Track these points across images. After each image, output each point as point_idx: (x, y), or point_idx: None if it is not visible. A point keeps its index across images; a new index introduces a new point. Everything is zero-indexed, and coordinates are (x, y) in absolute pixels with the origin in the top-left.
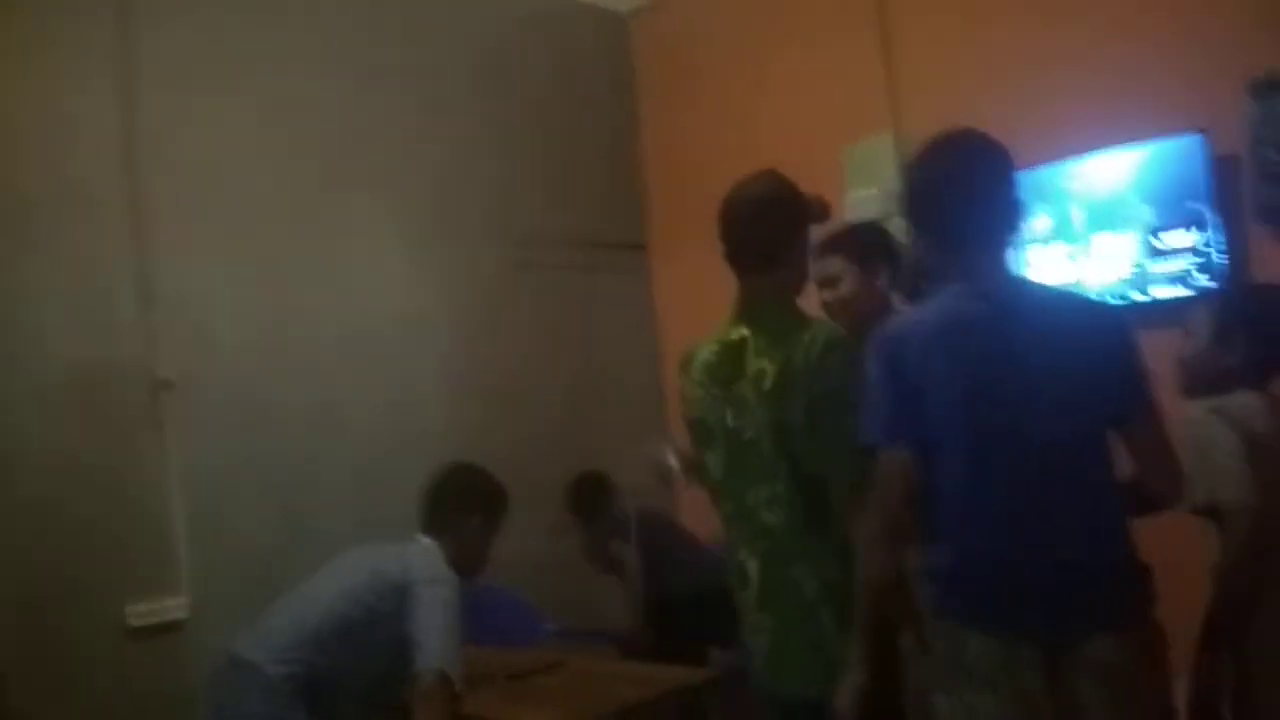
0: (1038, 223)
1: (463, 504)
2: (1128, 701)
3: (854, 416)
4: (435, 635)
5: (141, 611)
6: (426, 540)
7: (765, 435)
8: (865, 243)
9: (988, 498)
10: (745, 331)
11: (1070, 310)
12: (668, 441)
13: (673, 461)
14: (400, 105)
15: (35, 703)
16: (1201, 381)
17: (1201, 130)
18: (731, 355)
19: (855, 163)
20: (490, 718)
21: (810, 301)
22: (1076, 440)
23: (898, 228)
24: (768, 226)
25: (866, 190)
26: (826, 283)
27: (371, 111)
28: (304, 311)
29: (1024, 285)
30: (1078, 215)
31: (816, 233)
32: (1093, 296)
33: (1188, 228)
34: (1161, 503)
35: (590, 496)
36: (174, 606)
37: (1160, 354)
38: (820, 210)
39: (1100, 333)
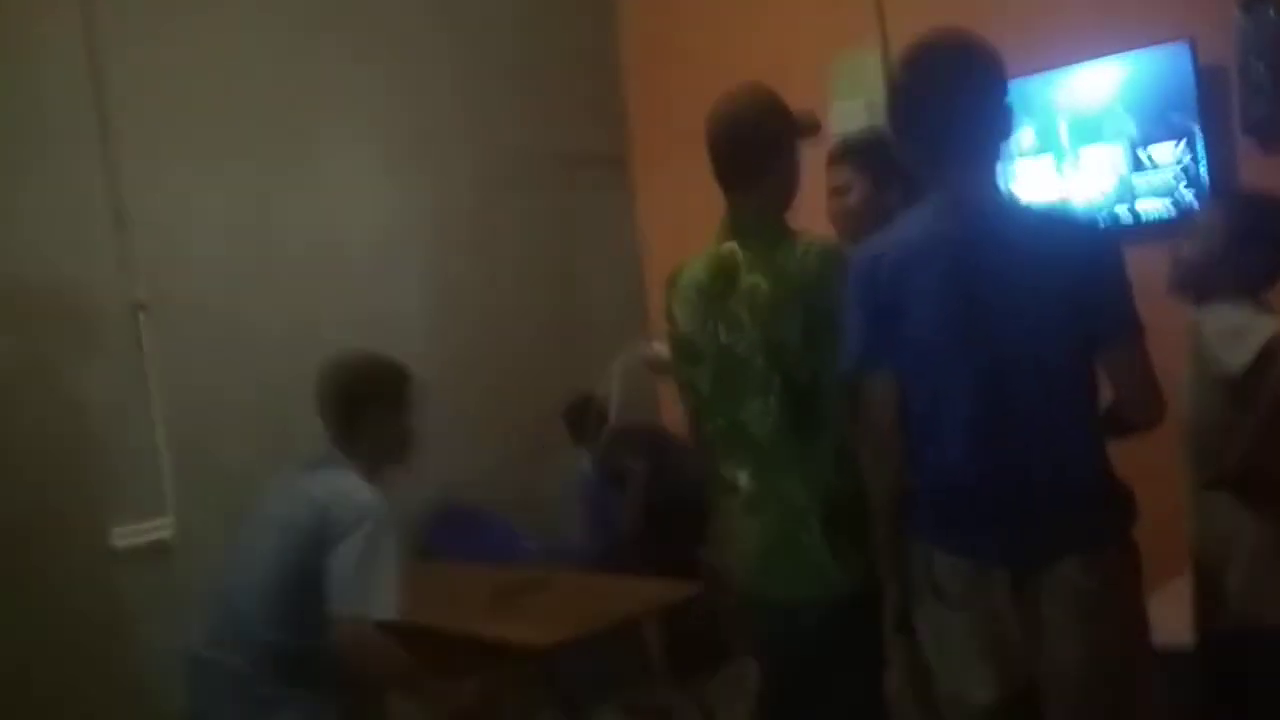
0: (1023, 135)
1: (358, 400)
2: (1097, 623)
3: None
4: (349, 581)
5: (126, 532)
6: (336, 466)
7: (759, 350)
8: (878, 153)
9: (959, 419)
10: (735, 247)
11: (1052, 229)
12: (652, 338)
13: (661, 350)
14: (373, 19)
15: (20, 624)
16: (1202, 284)
17: (1188, 39)
18: (722, 271)
19: (841, 74)
20: (477, 635)
21: (802, 214)
22: (1052, 362)
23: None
24: (752, 142)
25: (853, 102)
26: (836, 192)
27: (344, 28)
28: (280, 231)
29: (1004, 202)
30: (1063, 128)
31: (810, 145)
32: (1078, 215)
33: (1174, 140)
34: (1139, 428)
35: (586, 417)
36: (159, 526)
37: (1146, 269)
38: (809, 124)
39: (1083, 253)
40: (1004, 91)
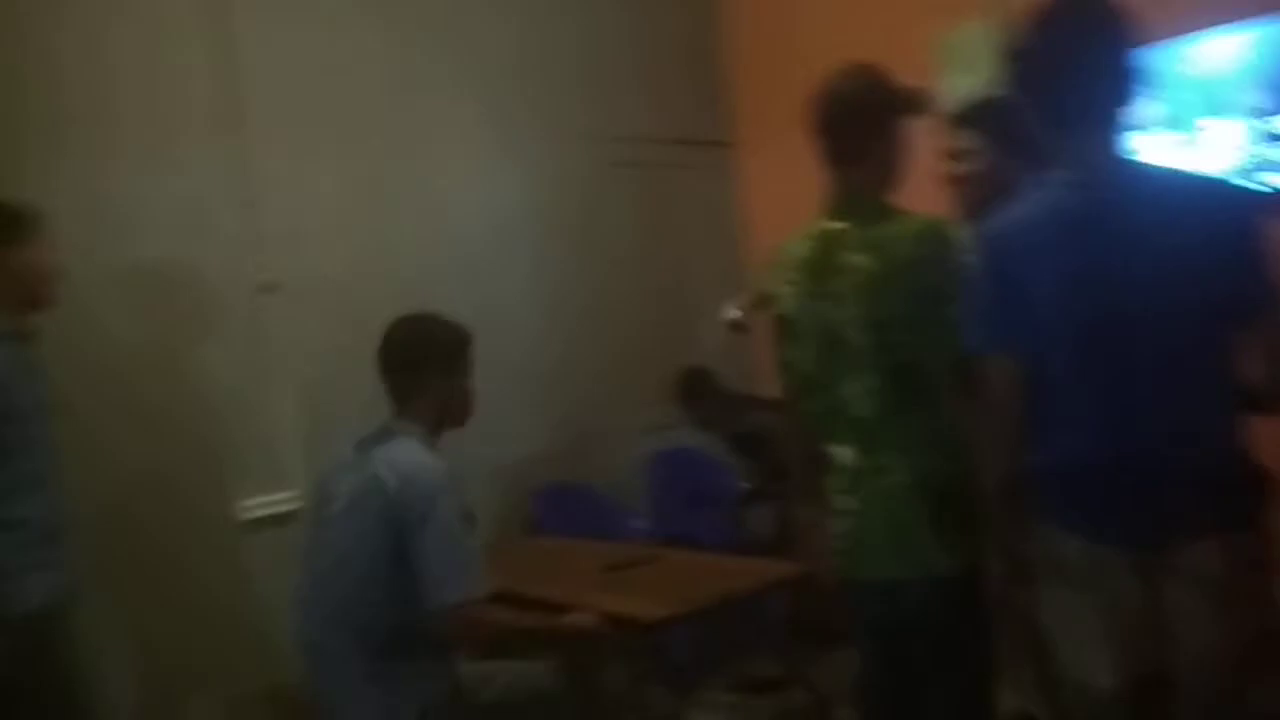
0: (1150, 106)
1: (418, 361)
2: (1226, 608)
3: (955, 307)
4: (439, 568)
5: (253, 505)
6: (398, 437)
7: (862, 328)
8: (1001, 118)
9: (1087, 398)
10: (840, 226)
11: (1188, 195)
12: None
13: (737, 313)
14: (487, 5)
15: (152, 590)
16: None
17: None
18: (826, 249)
19: (953, 49)
20: (585, 607)
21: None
22: (1187, 337)
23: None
24: (858, 119)
25: (966, 79)
26: (954, 156)
27: (459, 13)
28: (398, 213)
29: (1135, 168)
30: (1189, 99)
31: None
32: (1216, 180)
33: None
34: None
35: (701, 384)
36: (285, 499)
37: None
38: (920, 101)
39: (1221, 219)
40: (1131, 54)
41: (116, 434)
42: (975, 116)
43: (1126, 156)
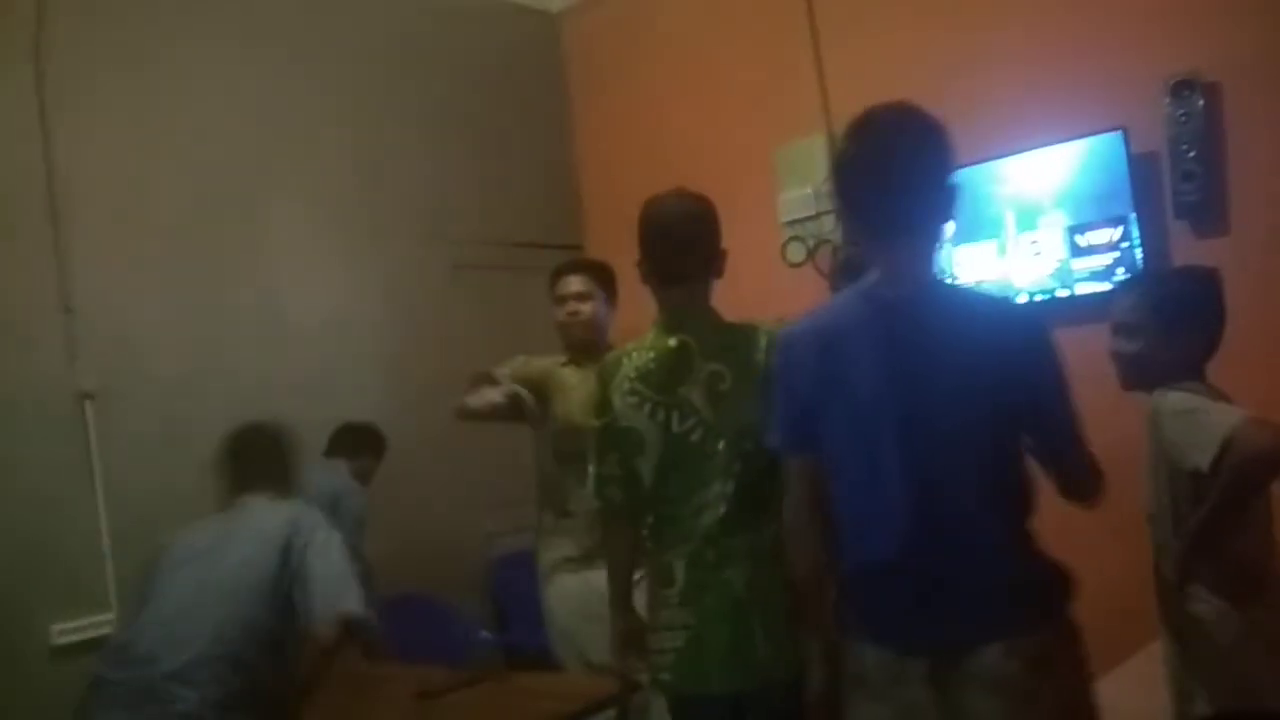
0: (965, 221)
1: (278, 461)
2: (1025, 711)
3: None
4: (334, 581)
5: (67, 629)
6: (280, 503)
7: (719, 435)
8: (608, 271)
9: (878, 503)
10: (685, 338)
11: (987, 313)
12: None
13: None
14: (327, 110)
15: None
16: (1148, 376)
17: (1121, 128)
18: (675, 361)
19: (787, 163)
20: None
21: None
22: (975, 446)
23: (830, 224)
24: (701, 239)
25: (799, 190)
26: (575, 298)
27: (297, 117)
28: (229, 319)
29: (939, 283)
30: (1003, 214)
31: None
32: (1014, 301)
33: (1109, 224)
34: (1082, 506)
35: None
36: (101, 622)
37: (1083, 350)
38: None
39: (1018, 339)
40: (951, 167)
41: None
42: (585, 266)
43: (934, 271)
